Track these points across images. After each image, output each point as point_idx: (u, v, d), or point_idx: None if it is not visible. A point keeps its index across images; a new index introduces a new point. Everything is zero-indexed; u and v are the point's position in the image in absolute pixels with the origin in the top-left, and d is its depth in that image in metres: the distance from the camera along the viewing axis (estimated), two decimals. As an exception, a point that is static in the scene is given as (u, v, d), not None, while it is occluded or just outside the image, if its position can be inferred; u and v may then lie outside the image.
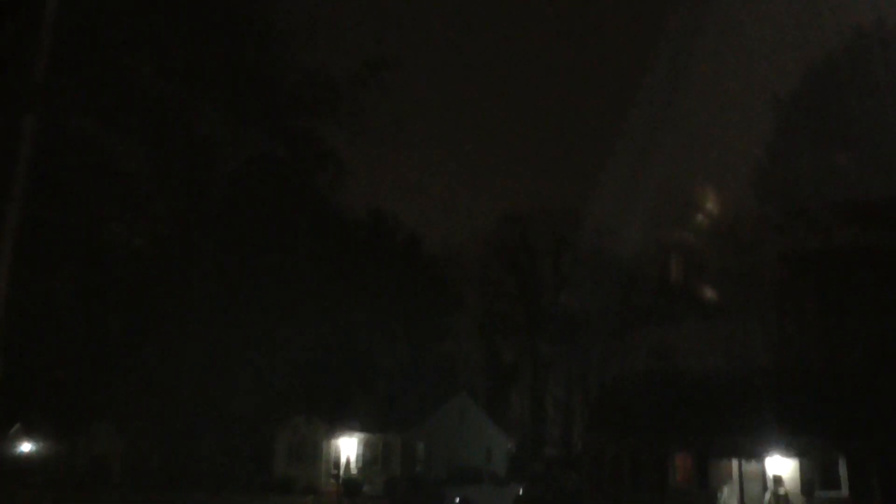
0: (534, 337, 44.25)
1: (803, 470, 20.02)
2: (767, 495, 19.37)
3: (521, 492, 24.26)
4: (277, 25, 42.24)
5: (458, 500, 21.05)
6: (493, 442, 36.84)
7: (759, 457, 20.19)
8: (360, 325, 38.17)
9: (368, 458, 33.48)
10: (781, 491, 19.35)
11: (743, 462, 20.87)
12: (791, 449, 19.87)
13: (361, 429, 34.08)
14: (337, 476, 32.89)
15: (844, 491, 19.37)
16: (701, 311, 37.97)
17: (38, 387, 36.57)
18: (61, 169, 33.86)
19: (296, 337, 35.91)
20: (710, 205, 37.77)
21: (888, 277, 34.14)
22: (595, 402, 42.21)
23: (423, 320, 42.27)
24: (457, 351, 43.21)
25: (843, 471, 19.63)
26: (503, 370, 46.93)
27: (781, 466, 19.92)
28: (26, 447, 40.85)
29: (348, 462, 33.31)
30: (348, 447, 34.17)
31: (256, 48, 40.96)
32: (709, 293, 38.25)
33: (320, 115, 44.56)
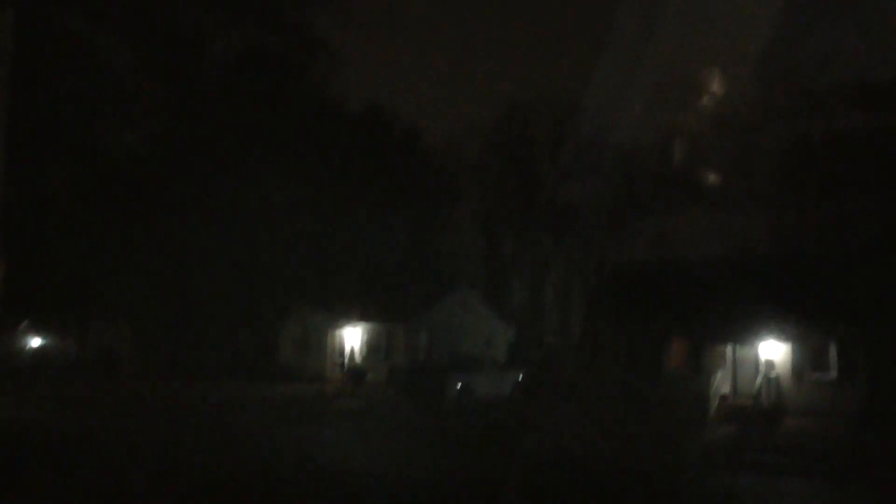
0: (534, 229, 44.47)
1: (795, 354, 20.55)
2: (759, 378, 19.99)
3: (520, 378, 25.02)
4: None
5: (459, 385, 21.75)
6: (493, 331, 37.72)
7: (753, 342, 20.68)
8: (360, 219, 38.33)
9: (372, 347, 34.77)
10: (773, 374, 19.94)
11: (737, 347, 21.43)
12: (784, 334, 20.34)
13: (365, 319, 35.10)
14: (342, 365, 33.95)
15: (833, 373, 19.98)
16: (701, 199, 37.91)
17: (43, 284, 37.15)
18: (46, 65, 33.11)
19: (297, 230, 36.13)
20: (713, 87, 37.01)
21: (891, 162, 33.89)
22: (593, 291, 42.98)
23: (423, 214, 42.38)
24: (457, 243, 43.54)
25: (832, 355, 20.18)
26: (503, 262, 47.47)
27: (774, 351, 20.43)
28: (36, 342, 41.99)
29: (352, 352, 34.27)
30: (352, 337, 35.17)
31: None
32: (709, 180, 38.05)
33: (312, 3, 43.12)
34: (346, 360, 32.92)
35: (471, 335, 35.47)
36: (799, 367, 20.62)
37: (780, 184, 37.55)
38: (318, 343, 35.14)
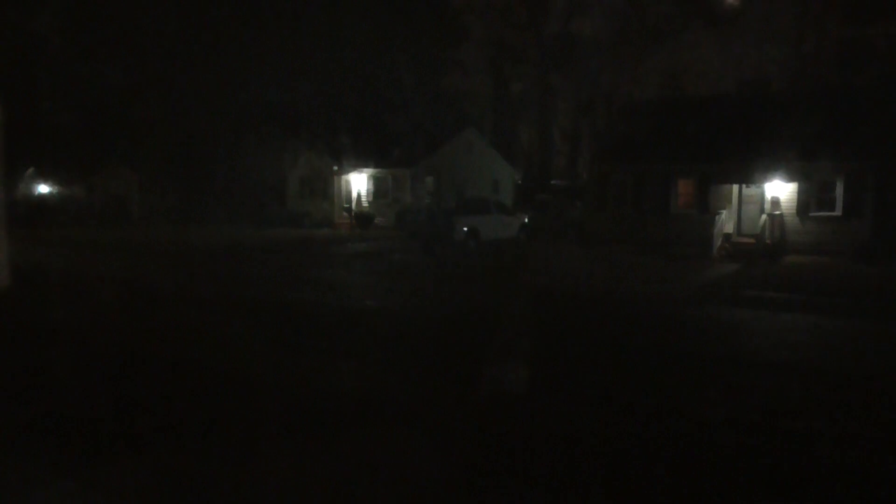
0: (542, 66, 43.13)
1: (801, 193, 20.49)
2: (763, 216, 20.06)
3: (525, 220, 25.20)
4: None
5: (465, 228, 21.94)
6: (500, 174, 37.59)
7: (759, 181, 20.58)
8: (364, 58, 37.20)
9: (379, 191, 34.87)
10: (777, 212, 20.00)
11: (743, 187, 21.33)
12: (791, 173, 20.19)
13: (371, 164, 35.08)
14: (349, 210, 34.20)
15: (838, 210, 20.00)
16: (716, 26, 36.40)
17: (46, 129, 36.82)
18: None
19: (300, 69, 35.19)
20: None
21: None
22: (602, 131, 42.42)
23: (429, 52, 41.01)
24: (463, 84, 42.42)
25: (839, 192, 20.11)
26: (510, 102, 46.47)
27: (780, 190, 20.36)
28: (44, 189, 42.23)
29: (359, 196, 34.39)
30: (359, 182, 35.20)
31: None
32: (725, 4, 36.28)
33: None
34: (354, 206, 33.11)
35: (477, 178, 35.40)
36: (804, 204, 20.63)
37: (800, 9, 35.91)
38: (325, 188, 35.26)
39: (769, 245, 19.57)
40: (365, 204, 33.23)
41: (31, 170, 39.83)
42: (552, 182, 39.48)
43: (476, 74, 43.13)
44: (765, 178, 20.62)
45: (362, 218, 31.29)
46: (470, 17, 42.98)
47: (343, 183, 34.15)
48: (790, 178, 20.37)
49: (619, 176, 23.94)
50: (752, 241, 20.06)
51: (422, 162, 32.84)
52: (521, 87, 44.73)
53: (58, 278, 15.99)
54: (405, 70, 38.04)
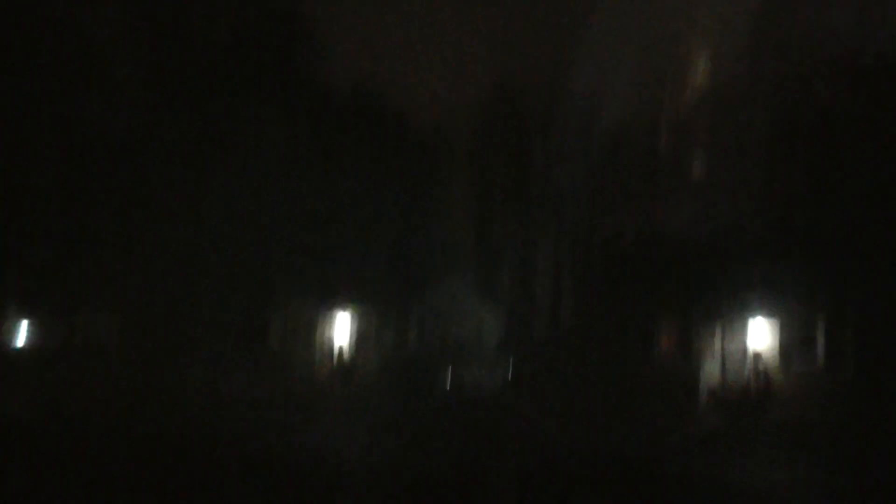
0: (524, 213, 44.26)
1: (783, 341, 20.58)
2: (747, 371, 20.08)
3: (510, 368, 25.01)
4: None
5: (449, 377, 21.71)
6: (484, 319, 37.60)
7: (741, 321, 20.67)
8: (349, 206, 38.03)
9: (361, 336, 34.68)
10: (761, 367, 20.03)
11: (726, 329, 21.40)
12: (772, 315, 20.34)
13: (354, 308, 35.05)
14: (330, 354, 33.79)
15: (821, 361, 20.02)
16: (689, 180, 37.80)
17: (28, 266, 36.71)
18: (26, 43, 32.57)
19: (284, 215, 35.81)
20: (700, 64, 36.80)
21: (879, 141, 33.80)
22: (584, 275, 42.95)
23: (413, 200, 42.10)
24: (447, 230, 43.30)
25: (820, 342, 20.23)
26: (493, 248, 47.23)
27: (762, 330, 20.42)
28: (21, 332, 41.40)
29: (341, 350, 34.09)
30: (341, 325, 35.08)
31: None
32: (697, 160, 37.93)
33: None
34: (336, 351, 32.75)
35: (462, 323, 35.38)
36: (786, 358, 20.68)
37: (768, 162, 37.40)
38: (307, 331, 34.99)
39: (755, 399, 19.44)
40: (347, 348, 32.85)
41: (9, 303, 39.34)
42: (536, 327, 39.46)
43: (458, 222, 44.19)
44: (747, 318, 20.74)
45: (344, 363, 30.88)
46: (454, 165, 44.58)
47: (324, 325, 33.72)
48: (771, 319, 20.50)
49: (601, 319, 24.02)
50: (737, 394, 19.92)
51: (406, 306, 32.61)
52: (503, 233, 45.73)
53: None
54: (390, 215, 38.92)
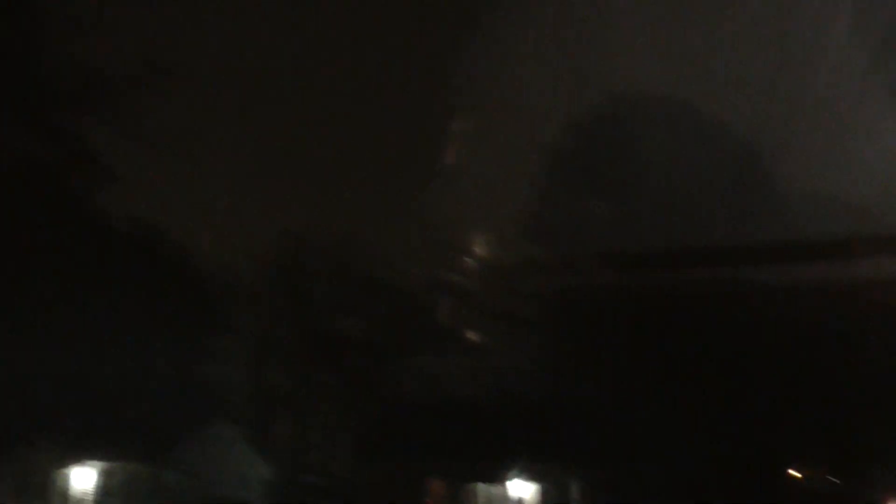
0: (306, 362, 43.52)
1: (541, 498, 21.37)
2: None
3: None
4: (45, 12, 38.29)
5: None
6: (251, 471, 35.56)
7: (505, 481, 21.24)
8: (114, 342, 35.30)
9: (109, 489, 31.03)
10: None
11: (491, 489, 21.87)
12: (531, 474, 21.16)
13: (104, 457, 31.61)
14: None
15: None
16: (466, 345, 39.66)
17: None
18: None
19: (38, 352, 32.48)
20: (479, 248, 39.78)
21: (639, 316, 37.81)
22: (361, 430, 42.48)
23: (187, 340, 40.00)
24: (222, 374, 41.31)
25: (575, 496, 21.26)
26: (270, 396, 45.59)
27: (524, 490, 21.07)
28: None
29: (85, 496, 30.58)
30: (86, 478, 31.34)
31: (16, 31, 36.91)
32: (474, 327, 40.10)
33: (87, 113, 40.89)
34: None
35: (226, 475, 33.12)
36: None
37: (539, 334, 40.39)
38: (44, 486, 31.02)
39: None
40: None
41: None
42: (309, 480, 38.00)
43: (235, 364, 42.46)
44: (510, 478, 21.37)
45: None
46: (234, 307, 43.38)
47: (67, 480, 30.12)
48: (530, 480, 21.27)
49: (375, 476, 23.79)
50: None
51: (165, 456, 30.26)
52: (281, 381, 44.44)
53: None
54: (159, 355, 36.58)
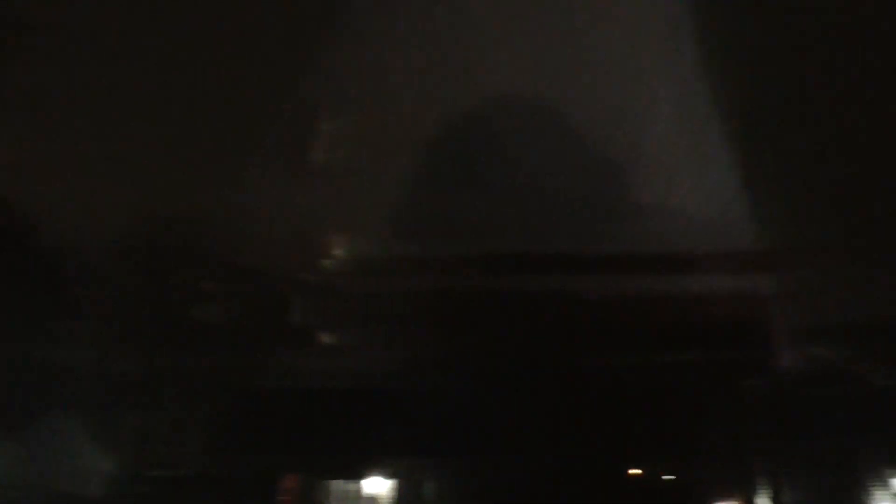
0: (157, 349, 41.35)
1: (399, 492, 21.01)
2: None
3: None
4: None
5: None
6: (93, 464, 33.39)
7: (359, 477, 20.76)
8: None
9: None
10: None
11: (347, 485, 21.32)
12: (387, 471, 20.81)
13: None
14: None
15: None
16: (327, 341, 38.73)
17: None
18: None
19: None
20: (344, 243, 38.77)
21: (499, 317, 38.18)
22: (212, 420, 40.38)
23: (27, 322, 37.05)
24: (64, 359, 38.53)
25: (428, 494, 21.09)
26: (119, 382, 42.99)
27: (379, 486, 20.69)
28: None
29: None
30: None
31: None
32: (336, 326, 39.20)
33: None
34: None
35: (67, 467, 30.74)
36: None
37: (403, 329, 39.89)
38: None
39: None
40: None
41: None
42: (154, 473, 36.01)
43: (82, 349, 39.69)
44: (365, 474, 20.91)
45: None
46: (83, 289, 40.56)
47: None
48: (386, 476, 20.89)
49: (223, 469, 22.72)
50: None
51: (12, 437, 27.73)
52: (131, 367, 41.97)
53: None
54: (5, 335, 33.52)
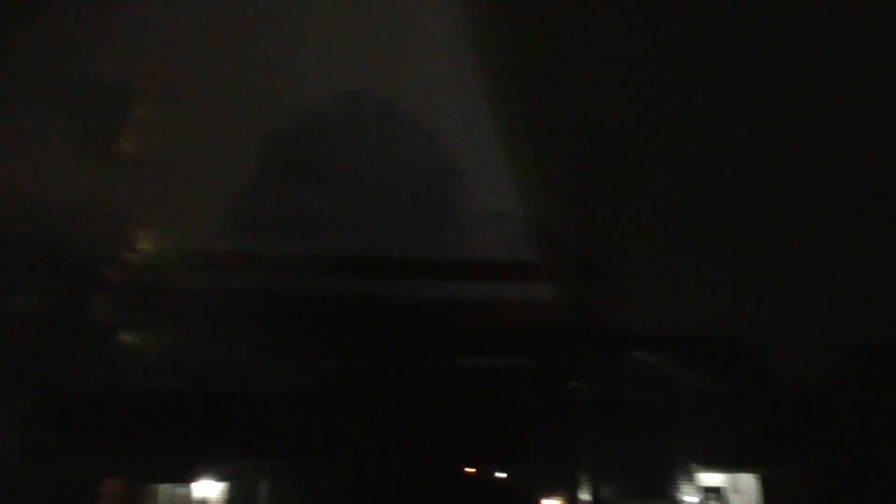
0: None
1: (227, 498, 20.79)
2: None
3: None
4: None
5: None
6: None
7: (187, 481, 20.34)
8: None
9: None
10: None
11: (174, 488, 20.80)
12: (215, 473, 20.51)
13: None
14: None
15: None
16: (149, 339, 37.49)
17: None
18: None
19: None
20: (171, 238, 37.88)
21: (334, 317, 38.53)
22: (28, 424, 37.85)
23: None
24: None
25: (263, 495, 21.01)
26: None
27: (208, 489, 20.36)
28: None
29: None
30: None
31: None
32: (158, 322, 38.09)
33: None
34: None
35: None
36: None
37: (246, 328, 39.34)
38: None
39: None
40: None
41: None
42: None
43: None
44: (192, 477, 20.52)
45: None
46: None
47: None
48: (217, 478, 20.61)
49: (45, 474, 21.57)
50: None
51: None
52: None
53: None
54: None
